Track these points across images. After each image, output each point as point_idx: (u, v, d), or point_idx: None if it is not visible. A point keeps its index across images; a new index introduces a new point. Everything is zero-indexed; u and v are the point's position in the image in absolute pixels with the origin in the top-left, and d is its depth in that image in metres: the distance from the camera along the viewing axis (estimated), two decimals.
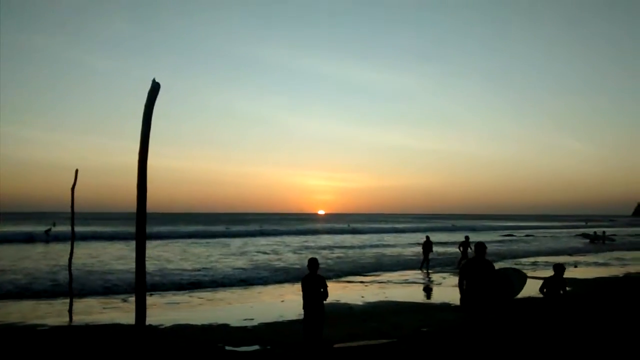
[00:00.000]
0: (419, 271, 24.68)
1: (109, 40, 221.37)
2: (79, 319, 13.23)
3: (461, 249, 24.84)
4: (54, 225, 48.09)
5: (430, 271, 24.71)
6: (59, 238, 41.29)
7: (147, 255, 7.90)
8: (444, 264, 27.93)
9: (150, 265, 22.65)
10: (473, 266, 7.95)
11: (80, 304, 15.20)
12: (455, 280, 20.99)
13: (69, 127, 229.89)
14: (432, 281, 21.40)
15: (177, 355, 9.17)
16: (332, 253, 35.68)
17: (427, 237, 26.18)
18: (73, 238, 15.57)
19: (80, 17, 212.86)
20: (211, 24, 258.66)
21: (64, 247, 33.57)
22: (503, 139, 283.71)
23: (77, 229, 14.27)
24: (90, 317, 13.39)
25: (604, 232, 53.17)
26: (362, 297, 16.83)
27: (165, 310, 14.36)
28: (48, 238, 42.09)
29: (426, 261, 25.26)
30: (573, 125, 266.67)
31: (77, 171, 15.21)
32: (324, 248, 40.47)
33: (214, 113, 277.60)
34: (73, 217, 15.37)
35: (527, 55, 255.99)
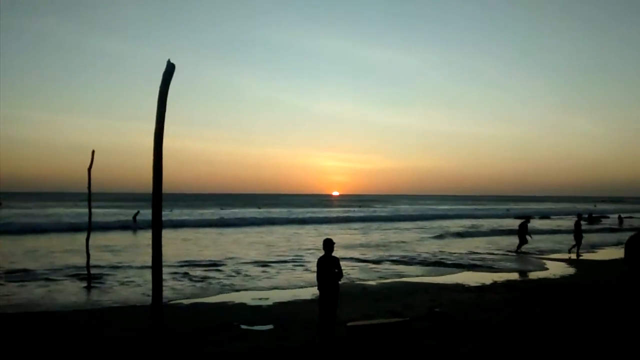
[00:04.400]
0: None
1: (122, 22, 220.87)
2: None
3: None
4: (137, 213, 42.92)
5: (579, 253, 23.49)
6: (144, 225, 37.76)
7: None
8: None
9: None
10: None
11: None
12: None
13: (84, 109, 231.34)
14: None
15: (193, 334, 9.33)
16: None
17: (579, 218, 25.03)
18: (90, 217, 15.82)
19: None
20: (224, 6, 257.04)
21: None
22: (513, 119, 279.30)
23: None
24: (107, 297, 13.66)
25: (590, 213, 53.90)
26: (377, 277, 16.90)
27: (184, 287, 14.56)
28: (136, 225, 39.18)
29: (578, 245, 23.46)
30: (584, 105, 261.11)
31: (93, 152, 15.41)
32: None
33: (228, 95, 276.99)
34: (90, 197, 15.62)
35: (537, 35, 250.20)
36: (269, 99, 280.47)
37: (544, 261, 21.56)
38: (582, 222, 24.97)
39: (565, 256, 23.12)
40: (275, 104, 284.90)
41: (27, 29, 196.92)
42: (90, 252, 15.56)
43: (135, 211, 44.90)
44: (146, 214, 44.82)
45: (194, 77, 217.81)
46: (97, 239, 29.06)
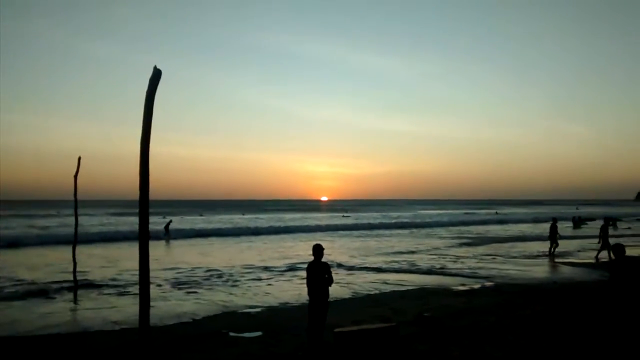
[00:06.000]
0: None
1: (111, 27, 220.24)
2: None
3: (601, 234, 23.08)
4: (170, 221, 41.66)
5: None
6: (175, 235, 37.42)
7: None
8: None
9: None
10: None
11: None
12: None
13: (70, 114, 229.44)
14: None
15: (182, 342, 9.24)
16: None
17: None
18: (76, 225, 15.66)
19: (82, 2, 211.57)
20: (213, 10, 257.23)
21: (191, 243, 32.29)
22: (503, 123, 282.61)
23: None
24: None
25: (579, 217, 54.50)
26: (366, 283, 16.86)
27: (174, 296, 14.43)
28: (167, 236, 36.86)
29: (607, 249, 21.92)
30: (574, 109, 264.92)
31: (79, 158, 15.25)
32: None
33: (217, 100, 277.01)
34: (76, 204, 15.46)
35: (527, 39, 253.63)
36: (260, 104, 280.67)
37: (558, 265, 21.44)
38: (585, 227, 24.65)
39: (591, 261, 22.17)
40: (266, 110, 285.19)
41: (14, 32, 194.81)
42: (115, 264, 15.25)
43: (168, 220, 44.01)
44: (177, 221, 44.01)
45: (183, 82, 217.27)
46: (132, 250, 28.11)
